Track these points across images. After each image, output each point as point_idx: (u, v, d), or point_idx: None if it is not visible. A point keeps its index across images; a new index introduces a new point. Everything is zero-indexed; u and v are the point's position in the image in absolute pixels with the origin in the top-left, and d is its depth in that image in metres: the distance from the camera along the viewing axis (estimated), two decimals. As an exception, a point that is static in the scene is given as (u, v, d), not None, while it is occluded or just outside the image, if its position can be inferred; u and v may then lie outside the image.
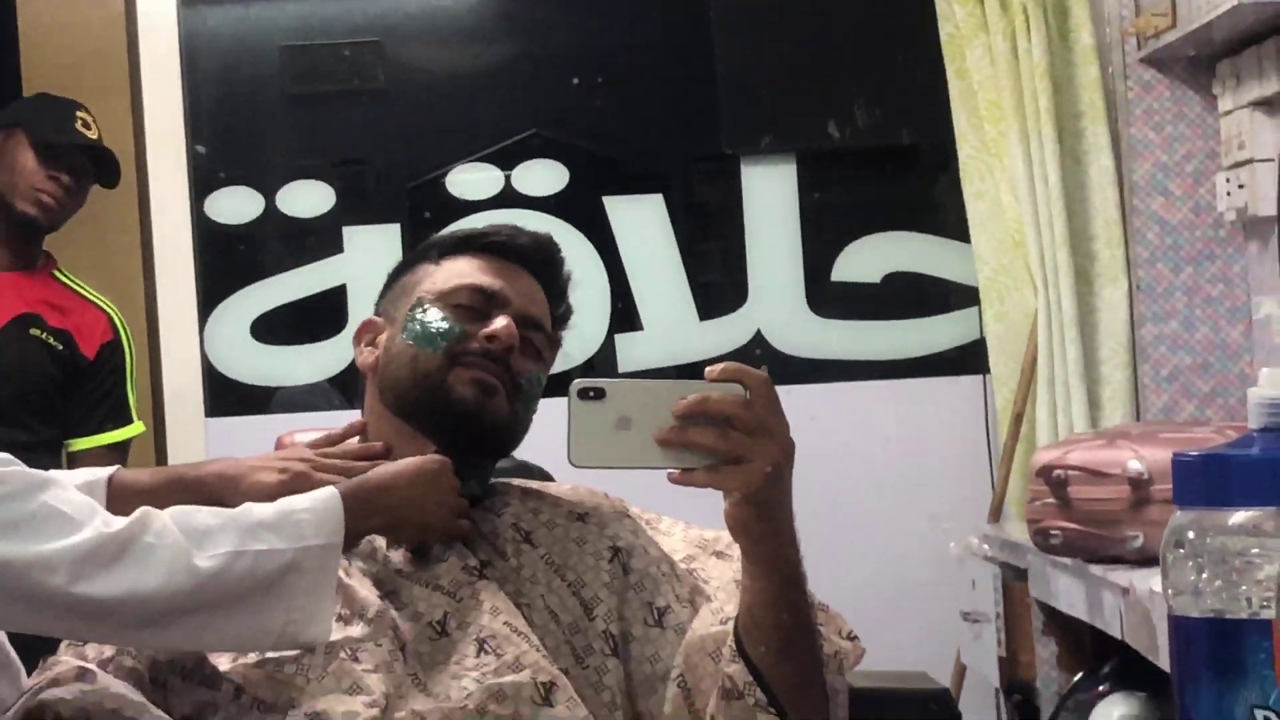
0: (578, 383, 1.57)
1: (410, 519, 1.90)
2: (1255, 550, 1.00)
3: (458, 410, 1.95)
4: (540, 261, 2.08)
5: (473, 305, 1.99)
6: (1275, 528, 0.99)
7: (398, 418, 2.00)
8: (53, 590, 1.67)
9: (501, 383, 1.96)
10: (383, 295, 2.10)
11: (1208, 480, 1.04)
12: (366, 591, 1.85)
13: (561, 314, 2.11)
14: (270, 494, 1.90)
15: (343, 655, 1.78)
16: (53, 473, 1.81)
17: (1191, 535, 1.04)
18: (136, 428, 3.73)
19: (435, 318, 1.99)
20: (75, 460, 3.59)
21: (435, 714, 1.72)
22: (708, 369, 1.62)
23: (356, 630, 1.81)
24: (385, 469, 1.92)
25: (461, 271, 2.03)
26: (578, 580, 1.89)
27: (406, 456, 1.95)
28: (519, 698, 1.74)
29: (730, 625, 1.77)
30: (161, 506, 1.83)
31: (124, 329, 3.71)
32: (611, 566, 1.90)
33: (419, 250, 2.13)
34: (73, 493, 1.76)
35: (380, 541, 1.91)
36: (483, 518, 1.96)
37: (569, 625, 1.86)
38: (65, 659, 1.83)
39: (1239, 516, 1.01)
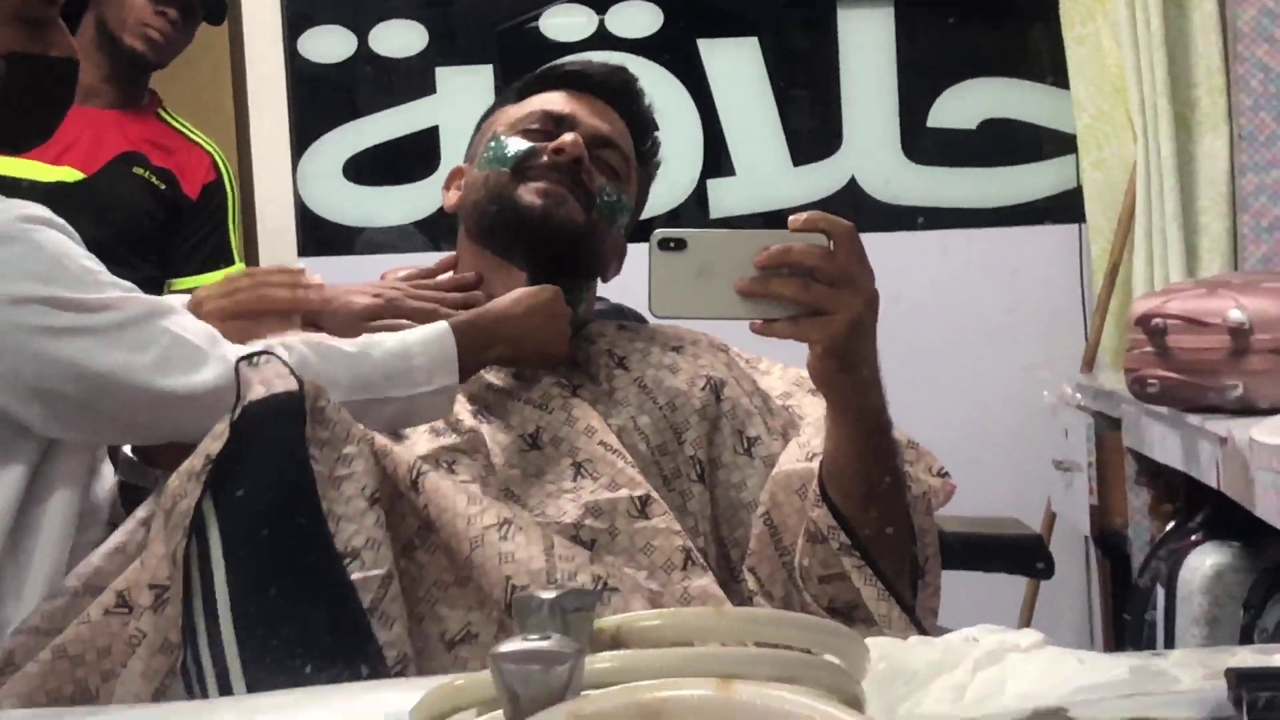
0: (658, 233, 1.56)
1: (528, 347, 1.91)
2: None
3: (527, 220, 1.97)
4: (616, 90, 2.10)
5: (543, 129, 2.02)
6: None
7: (480, 245, 2.02)
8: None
9: (571, 193, 1.97)
10: (470, 142, 2.12)
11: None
12: (460, 408, 1.87)
13: (649, 149, 2.12)
14: (360, 316, 1.95)
15: (440, 467, 1.80)
16: (169, 298, 1.83)
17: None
18: (238, 268, 3.75)
19: (506, 143, 2.01)
20: None
21: (532, 527, 1.74)
22: (791, 218, 1.61)
23: (449, 440, 1.84)
24: (500, 301, 1.93)
25: (535, 103, 2.06)
26: (669, 404, 1.90)
27: (496, 288, 1.96)
28: (615, 512, 1.77)
29: (815, 464, 1.77)
30: (247, 329, 1.88)
31: (227, 170, 3.72)
32: (704, 394, 1.91)
33: (502, 94, 2.15)
34: (190, 319, 1.78)
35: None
36: (577, 346, 1.98)
37: (658, 447, 1.87)
38: None
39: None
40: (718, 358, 1.98)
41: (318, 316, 1.96)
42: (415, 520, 1.63)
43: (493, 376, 1.94)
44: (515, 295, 1.93)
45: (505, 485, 1.81)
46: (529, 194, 1.97)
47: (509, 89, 2.14)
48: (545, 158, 1.99)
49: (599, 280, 2.08)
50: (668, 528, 1.77)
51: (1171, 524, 3.27)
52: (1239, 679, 0.89)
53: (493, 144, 2.03)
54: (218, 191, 3.68)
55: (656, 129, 2.15)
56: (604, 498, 1.78)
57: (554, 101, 2.06)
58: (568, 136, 1.99)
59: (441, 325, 1.85)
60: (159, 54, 3.57)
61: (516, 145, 2.01)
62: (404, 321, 1.94)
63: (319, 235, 4.43)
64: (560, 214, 1.96)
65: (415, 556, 1.62)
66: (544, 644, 0.82)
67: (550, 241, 1.97)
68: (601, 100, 2.08)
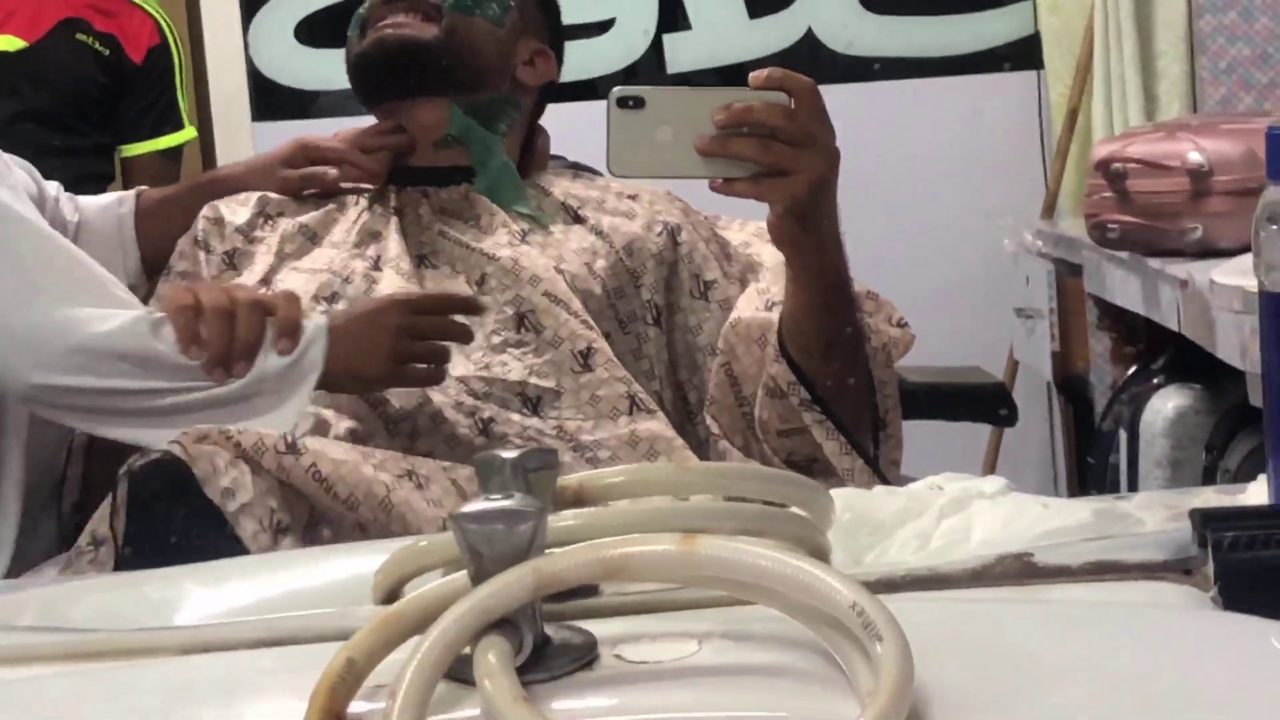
0: (616, 90, 1.55)
1: (335, 369, 1.75)
2: (1352, 223, 0.98)
3: (369, 65, 1.95)
4: None
5: None
6: (1372, 200, 0.97)
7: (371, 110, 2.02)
8: None
9: (407, 13, 1.93)
10: None
11: (1303, 153, 1.02)
12: (402, 253, 1.87)
13: None
14: (279, 161, 2.01)
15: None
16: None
17: (1285, 210, 1.02)
18: (188, 133, 3.71)
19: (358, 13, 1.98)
20: (129, 166, 3.58)
21: (477, 383, 1.76)
22: (752, 75, 1.59)
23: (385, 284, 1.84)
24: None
25: None
26: (625, 249, 1.89)
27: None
28: (560, 371, 1.77)
29: (775, 313, 1.77)
30: (187, 212, 1.92)
31: (172, 32, 3.67)
32: (661, 239, 1.90)
33: None
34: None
35: (424, 207, 1.92)
36: (534, 194, 1.96)
37: (614, 290, 1.87)
38: None
39: (1335, 190, 0.99)
40: (674, 204, 1.98)
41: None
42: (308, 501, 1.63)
43: (442, 224, 1.92)
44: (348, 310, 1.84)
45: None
46: (370, 42, 1.95)
47: None
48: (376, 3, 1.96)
49: (517, 98, 2.02)
50: (610, 375, 1.78)
51: (1133, 368, 3.29)
52: (1203, 519, 0.89)
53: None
54: (163, 55, 3.63)
55: None
56: (547, 358, 1.78)
57: None
58: None
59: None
60: None
61: (357, 14, 1.98)
62: (322, 169, 1.96)
63: (272, 100, 4.38)
64: (392, 40, 1.93)
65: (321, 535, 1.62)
66: (506, 503, 0.81)
67: (394, 70, 1.94)
68: None
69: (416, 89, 1.94)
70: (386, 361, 1.74)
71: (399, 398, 1.75)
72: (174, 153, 3.67)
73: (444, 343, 1.77)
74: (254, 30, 4.36)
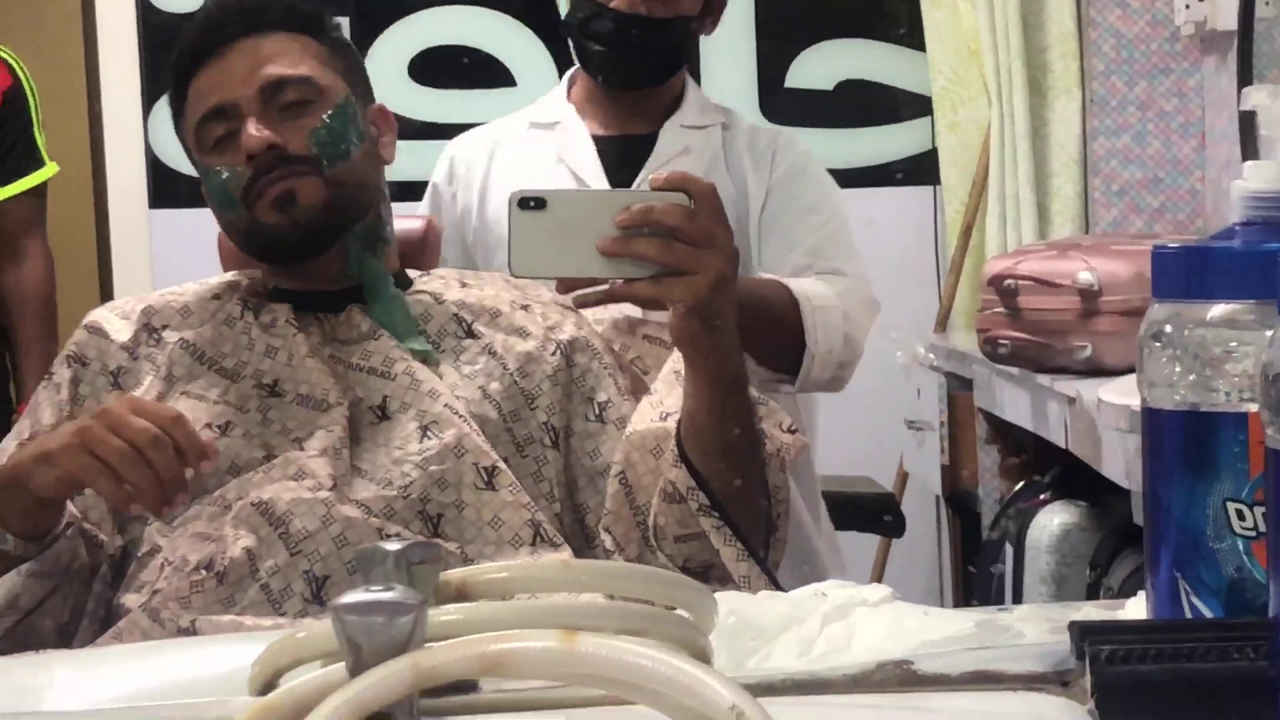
0: (517, 192, 1.56)
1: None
2: (1234, 343, 0.99)
3: (277, 240, 1.86)
4: (249, 17, 1.91)
5: (222, 135, 1.86)
6: (1254, 320, 0.99)
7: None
8: None
9: (294, 177, 1.84)
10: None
11: (1188, 272, 1.03)
12: (323, 376, 1.83)
13: (318, 26, 1.94)
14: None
15: (292, 446, 1.78)
16: None
17: (1169, 328, 1.03)
18: (51, 169, 3.67)
19: (211, 175, 1.87)
20: (2, 209, 3.57)
21: (379, 502, 1.71)
22: (651, 176, 1.62)
23: (309, 416, 1.80)
24: None
25: (196, 100, 1.89)
26: (520, 370, 1.87)
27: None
28: (461, 484, 1.74)
29: (671, 423, 1.77)
30: None
31: (24, 73, 3.64)
32: (555, 359, 1.88)
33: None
34: None
35: (317, 338, 1.88)
36: (425, 303, 1.92)
37: (510, 414, 1.84)
38: None
39: (1218, 309, 1.01)
40: (566, 316, 1.95)
41: None
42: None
43: (333, 350, 1.87)
44: None
45: (357, 459, 1.78)
46: (265, 215, 1.84)
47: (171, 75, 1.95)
48: (249, 171, 1.84)
49: (386, 195, 1.96)
50: (515, 500, 1.74)
51: (1020, 483, 3.31)
52: (1081, 632, 0.90)
53: (205, 180, 1.89)
54: (17, 96, 3.62)
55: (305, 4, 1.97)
56: (449, 466, 1.75)
57: (206, 89, 1.88)
58: (248, 135, 1.83)
59: None
60: None
61: (219, 180, 1.86)
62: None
63: (170, 188, 4.36)
64: (296, 213, 1.83)
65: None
66: (387, 595, 0.80)
67: (305, 243, 1.86)
68: (244, 37, 1.89)
69: (322, 248, 1.88)
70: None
71: (301, 518, 1.69)
72: (39, 190, 3.65)
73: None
74: (154, 117, 4.34)
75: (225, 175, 1.85)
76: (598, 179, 2.53)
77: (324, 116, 1.86)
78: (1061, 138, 4.07)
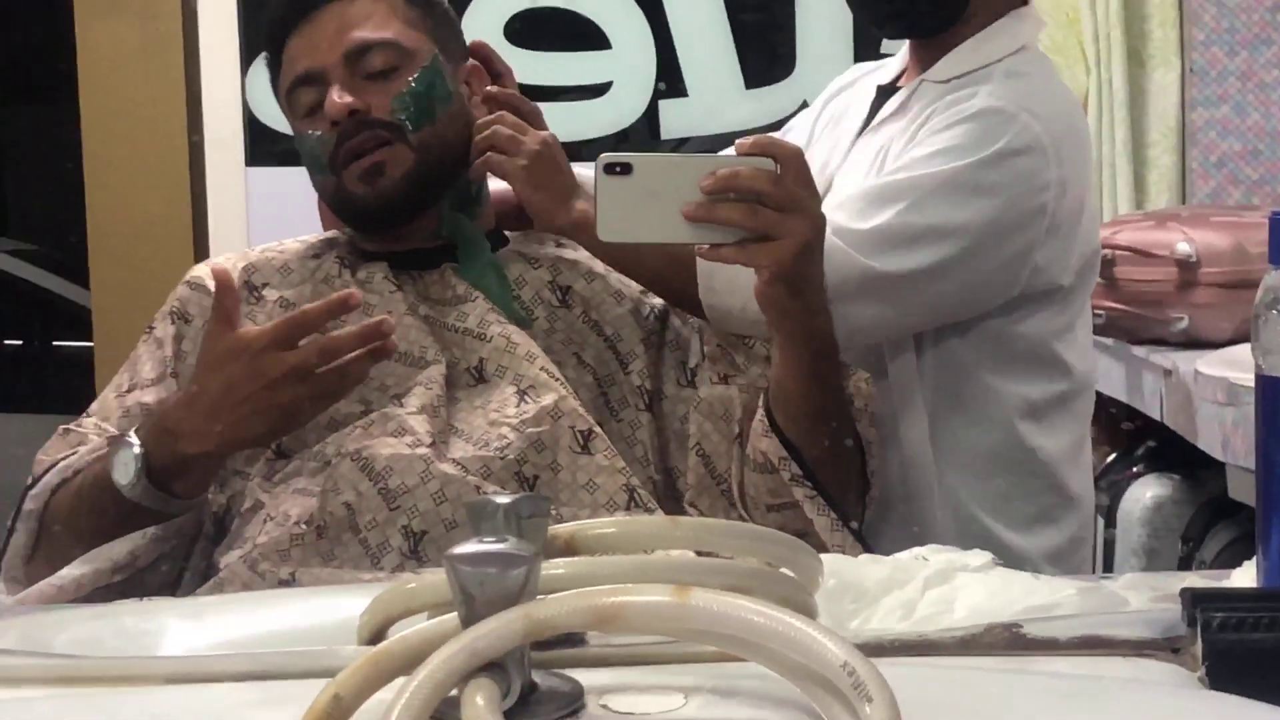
0: (604, 157, 1.55)
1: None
2: (1350, 311, 0.99)
3: (363, 210, 1.88)
4: None
5: (317, 99, 1.87)
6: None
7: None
8: None
9: (380, 146, 1.85)
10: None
11: (1305, 240, 1.02)
12: (421, 334, 1.84)
13: None
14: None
15: (391, 403, 1.78)
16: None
17: (1285, 296, 1.02)
18: None
19: (303, 141, 1.90)
20: None
21: (475, 462, 1.72)
22: (738, 142, 1.60)
23: (407, 373, 1.81)
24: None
25: (286, 67, 1.91)
26: (615, 334, 1.87)
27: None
28: (557, 447, 1.75)
29: (733, 388, 1.78)
30: None
31: None
32: (649, 322, 1.89)
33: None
34: None
35: (415, 298, 1.89)
36: (519, 266, 1.92)
37: (605, 378, 1.85)
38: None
39: (1335, 277, 1.00)
40: None
41: None
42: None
43: (428, 309, 1.88)
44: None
45: (453, 418, 1.79)
46: (353, 184, 1.86)
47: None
48: (334, 136, 1.85)
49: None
50: (610, 465, 1.75)
51: (1113, 456, 3.29)
52: (1194, 599, 0.89)
53: (298, 143, 1.92)
54: None
55: None
56: (546, 430, 1.75)
57: (296, 55, 1.90)
58: (330, 102, 1.84)
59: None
60: None
61: (310, 144, 1.88)
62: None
63: (267, 146, 4.39)
64: (381, 184, 1.85)
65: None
66: (501, 546, 0.81)
67: (393, 213, 1.88)
68: (331, 1, 1.89)
69: (410, 216, 1.89)
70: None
71: (400, 474, 1.71)
72: None
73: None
74: (252, 75, 4.37)
75: (314, 141, 1.87)
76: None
77: (410, 79, 1.87)
78: (1160, 108, 4.02)
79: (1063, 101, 2.08)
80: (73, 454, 1.76)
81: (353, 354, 1.63)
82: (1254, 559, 1.05)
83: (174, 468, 1.66)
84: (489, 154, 1.89)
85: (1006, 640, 0.93)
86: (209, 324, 1.70)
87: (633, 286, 1.91)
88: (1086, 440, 2.14)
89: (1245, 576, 1.11)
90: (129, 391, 1.86)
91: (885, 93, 2.16)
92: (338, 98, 1.83)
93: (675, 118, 4.38)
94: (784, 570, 0.98)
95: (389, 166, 1.85)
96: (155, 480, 1.66)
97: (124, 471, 1.65)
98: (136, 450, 1.65)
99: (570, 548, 0.94)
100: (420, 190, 1.87)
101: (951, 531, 1.98)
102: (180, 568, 1.74)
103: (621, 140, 4.31)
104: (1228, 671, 0.88)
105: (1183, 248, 2.88)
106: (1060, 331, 2.04)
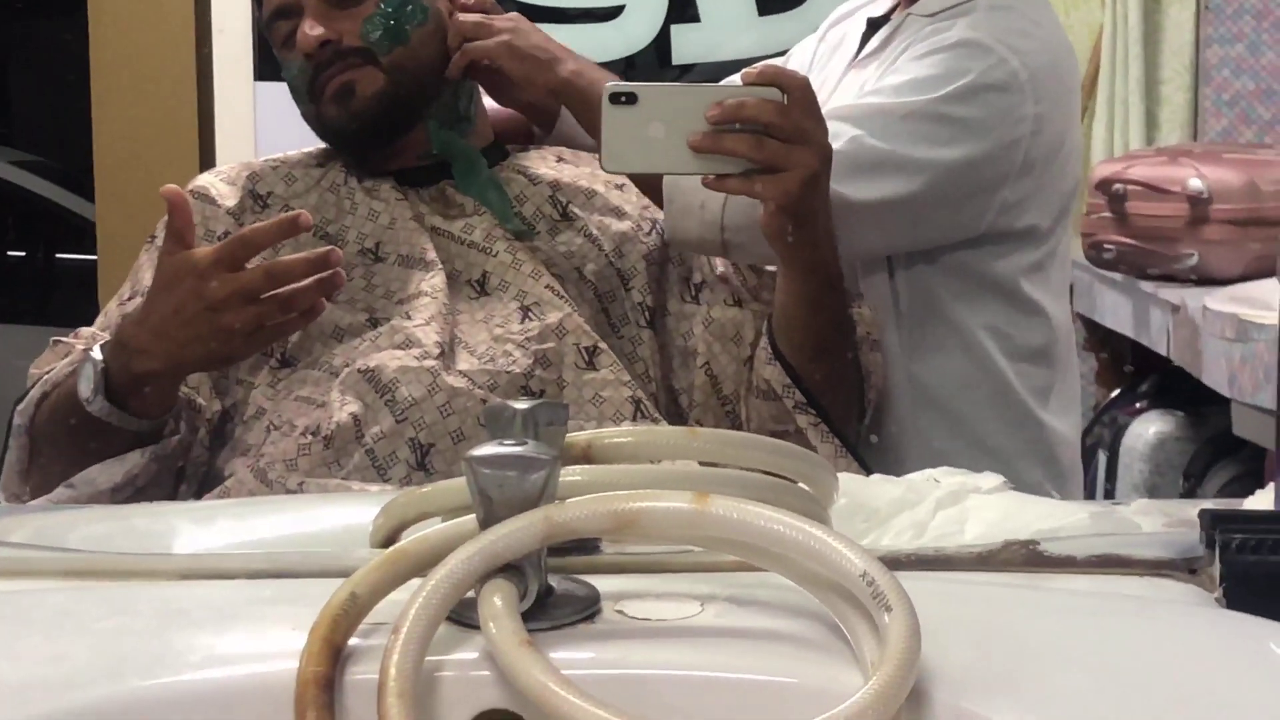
0: (609, 86, 1.54)
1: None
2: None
3: (341, 132, 1.87)
4: None
5: (287, 32, 1.86)
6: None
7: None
8: None
9: (350, 70, 1.84)
10: None
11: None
12: (421, 237, 1.83)
13: None
14: None
15: (397, 313, 1.78)
16: None
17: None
18: None
19: (285, 66, 1.89)
20: None
21: (482, 375, 1.72)
22: (744, 71, 1.59)
23: (407, 275, 1.80)
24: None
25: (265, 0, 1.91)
26: (616, 251, 1.86)
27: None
28: (563, 364, 1.75)
29: (746, 310, 1.77)
30: None
31: None
32: (650, 238, 1.88)
33: None
34: None
35: (423, 207, 1.88)
36: (519, 181, 1.91)
37: (606, 294, 1.85)
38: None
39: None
40: None
41: None
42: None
43: (436, 220, 1.87)
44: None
45: (458, 331, 1.78)
46: (327, 108, 1.85)
47: None
48: (310, 67, 1.84)
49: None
50: (616, 379, 1.75)
51: (1117, 390, 3.29)
52: (1212, 520, 0.89)
53: (284, 75, 1.91)
54: None
55: None
56: (551, 346, 1.75)
57: None
58: (302, 34, 1.83)
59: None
60: None
61: (291, 75, 1.88)
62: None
63: (276, 61, 4.36)
64: (353, 104, 1.84)
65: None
66: (520, 449, 0.81)
67: (372, 134, 1.87)
68: None
69: (391, 135, 1.88)
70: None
71: (408, 386, 1.70)
72: None
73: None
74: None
75: (294, 71, 1.87)
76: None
77: (379, 2, 1.85)
78: (1174, 44, 4.00)
79: (1047, 35, 1.98)
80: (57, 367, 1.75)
81: (302, 282, 1.59)
82: (1270, 485, 1.04)
83: (129, 384, 1.64)
84: (464, 45, 1.88)
85: (1023, 557, 0.93)
86: (164, 242, 1.68)
87: (634, 202, 1.90)
88: (1065, 382, 2.09)
89: (1259, 502, 1.11)
90: (129, 300, 1.85)
91: (875, 25, 2.12)
92: (309, 29, 1.83)
93: (686, 44, 4.35)
94: (800, 485, 0.98)
95: (359, 85, 1.84)
96: (113, 397, 1.64)
97: (86, 385, 1.63)
98: (99, 365, 1.64)
99: (587, 456, 0.94)
100: (395, 109, 1.86)
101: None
102: (176, 478, 1.73)
103: (629, 67, 4.28)
104: (1246, 593, 0.88)
105: (1194, 183, 2.87)
106: (1029, 270, 1.97)
